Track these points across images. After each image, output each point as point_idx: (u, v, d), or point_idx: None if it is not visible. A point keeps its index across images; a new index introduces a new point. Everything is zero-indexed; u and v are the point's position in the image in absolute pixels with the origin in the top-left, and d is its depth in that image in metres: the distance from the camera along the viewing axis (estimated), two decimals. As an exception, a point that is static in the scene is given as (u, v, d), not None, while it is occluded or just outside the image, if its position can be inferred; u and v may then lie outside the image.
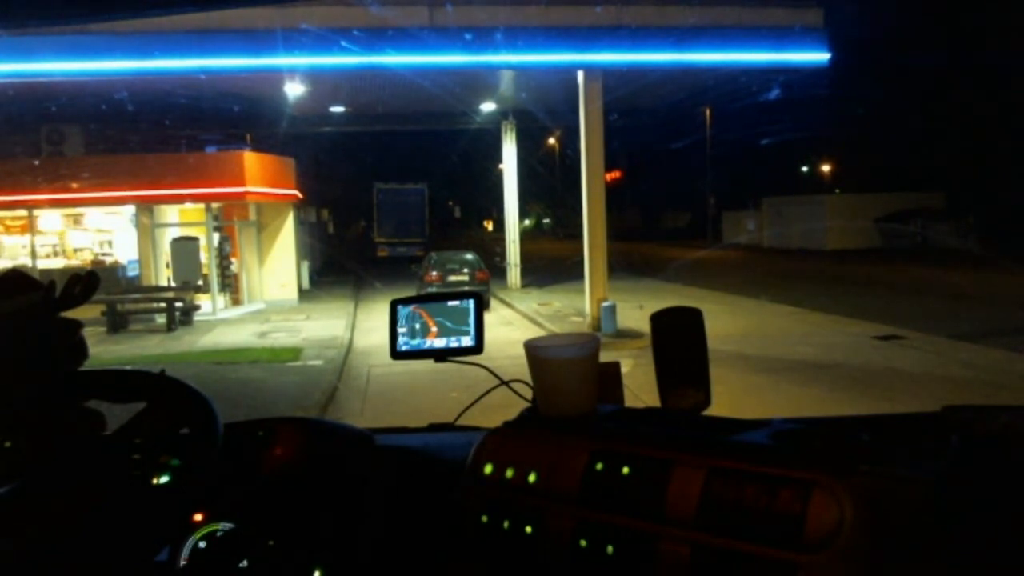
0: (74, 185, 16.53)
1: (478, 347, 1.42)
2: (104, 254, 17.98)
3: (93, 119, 17.41)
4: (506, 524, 1.11)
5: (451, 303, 1.44)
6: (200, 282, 16.68)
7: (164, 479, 1.04)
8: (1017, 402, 1.16)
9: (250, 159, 17.74)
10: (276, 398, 9.12)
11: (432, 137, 41.49)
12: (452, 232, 43.51)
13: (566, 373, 1.19)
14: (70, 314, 1.03)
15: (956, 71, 36.61)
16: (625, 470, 1.04)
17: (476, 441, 1.21)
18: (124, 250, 17.79)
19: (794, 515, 0.90)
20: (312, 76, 14.84)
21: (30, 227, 17.42)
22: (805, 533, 0.89)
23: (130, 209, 17.24)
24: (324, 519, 1.20)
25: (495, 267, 21.33)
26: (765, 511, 0.92)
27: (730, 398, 7.20)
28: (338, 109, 20.04)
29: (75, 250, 18.05)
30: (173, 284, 16.48)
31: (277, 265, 19.22)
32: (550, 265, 26.26)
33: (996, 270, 20.02)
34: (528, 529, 1.09)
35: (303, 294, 20.07)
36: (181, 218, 18.16)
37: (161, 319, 15.54)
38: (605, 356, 1.25)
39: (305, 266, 22.21)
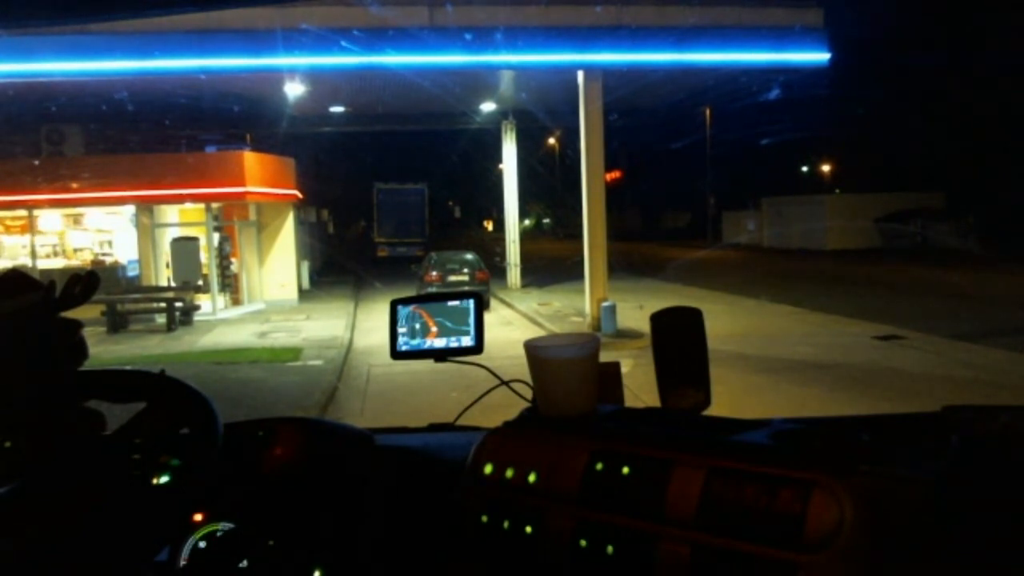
0: (74, 185, 16.53)
1: (478, 347, 1.43)
2: (104, 254, 17.97)
3: (93, 119, 17.42)
4: (506, 524, 1.11)
5: (451, 303, 1.44)
6: (200, 282, 16.68)
7: (164, 479, 1.04)
8: (1017, 402, 1.16)
9: (250, 159, 17.74)
10: (276, 398, 9.11)
11: (432, 137, 41.57)
12: (452, 232, 43.51)
13: (566, 373, 1.19)
14: (70, 314, 1.03)
15: (956, 71, 36.63)
16: (625, 470, 1.04)
17: (476, 441, 1.21)
18: (124, 250, 17.78)
19: (794, 515, 0.90)
20: (312, 76, 14.83)
21: (30, 227, 17.42)
22: (805, 533, 0.89)
23: (130, 209, 17.23)
24: (324, 519, 1.20)
25: (495, 267, 21.34)
26: (765, 511, 0.92)
27: (730, 398, 7.20)
28: (338, 109, 20.04)
29: (75, 250, 18.04)
30: (173, 284, 16.47)
31: (277, 265, 19.22)
32: (550, 265, 26.26)
33: (996, 270, 20.02)
34: (528, 529, 1.09)
35: (303, 294, 20.07)
36: (181, 218, 18.16)
37: (161, 319, 15.54)
38: (605, 356, 1.25)
39: (305, 266, 22.21)
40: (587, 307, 13.95)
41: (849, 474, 0.92)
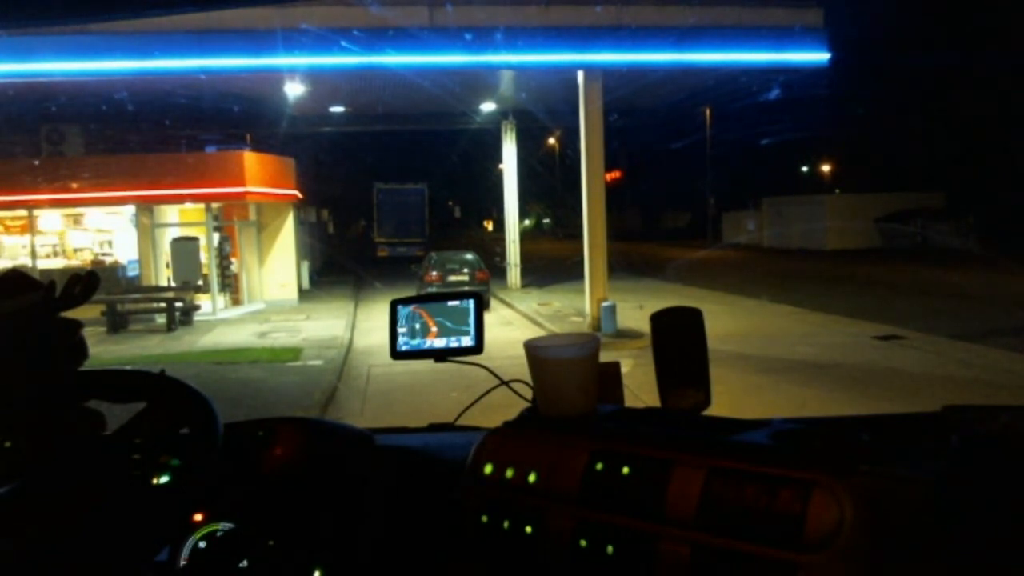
0: (74, 185, 16.53)
1: (478, 347, 1.43)
2: (104, 254, 17.97)
3: (93, 119, 17.43)
4: (506, 524, 1.11)
5: (451, 303, 1.44)
6: (200, 282, 16.68)
7: (164, 479, 1.04)
8: (1017, 402, 1.16)
9: (250, 159, 17.74)
10: (276, 398, 9.11)
11: (432, 137, 41.55)
12: (452, 232, 43.49)
13: (566, 373, 1.19)
14: (70, 314, 1.03)
15: (956, 71, 36.62)
16: (625, 470, 1.04)
17: (476, 441, 1.21)
18: (124, 250, 17.78)
19: (794, 515, 0.90)
20: (312, 76, 14.84)
21: (30, 227, 17.42)
22: (805, 533, 0.89)
23: (130, 209, 17.24)
24: (324, 519, 1.20)
25: (495, 267, 21.33)
26: (765, 511, 0.92)
27: (730, 398, 7.21)
28: (338, 109, 20.04)
29: (75, 250, 18.04)
30: (173, 284, 16.48)
31: (277, 265, 19.22)
32: (550, 265, 26.26)
33: (996, 270, 20.00)
34: (528, 529, 1.08)
35: (303, 294, 20.07)
36: (181, 218, 18.16)
37: (161, 319, 15.54)
38: (605, 356, 1.25)
39: (305, 266, 22.21)
40: (587, 307, 13.95)
41: (849, 474, 0.92)
